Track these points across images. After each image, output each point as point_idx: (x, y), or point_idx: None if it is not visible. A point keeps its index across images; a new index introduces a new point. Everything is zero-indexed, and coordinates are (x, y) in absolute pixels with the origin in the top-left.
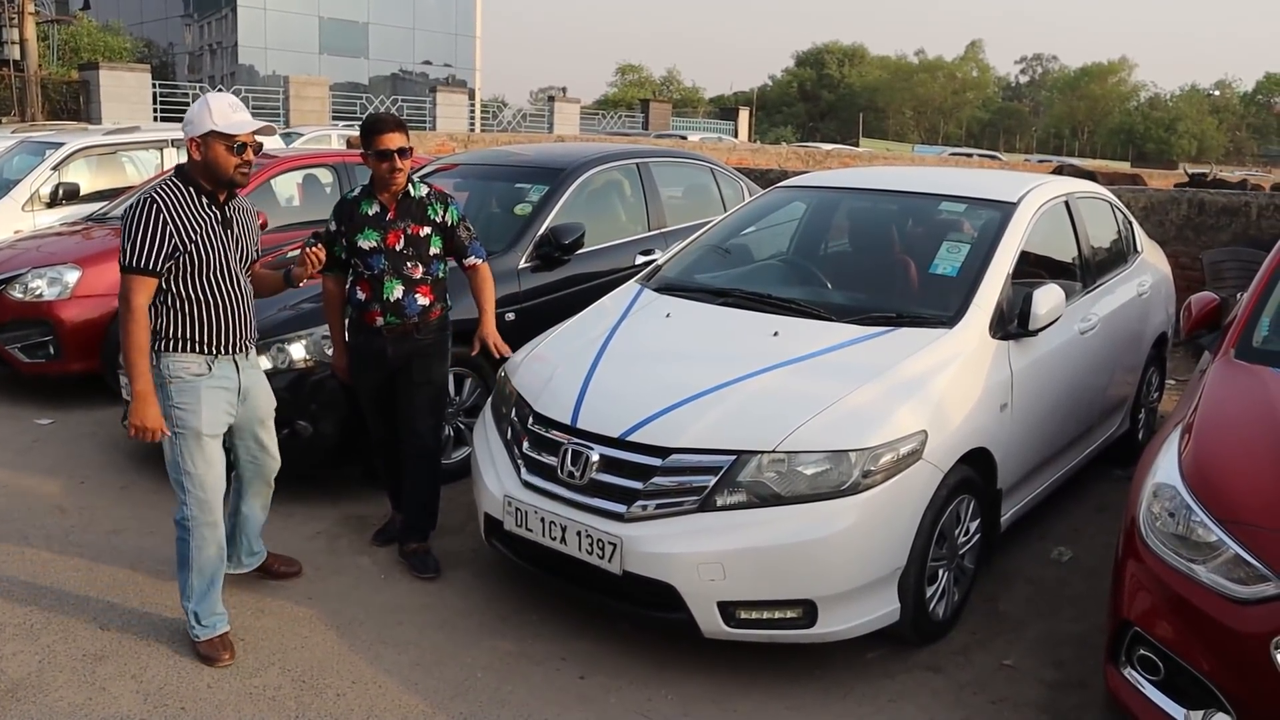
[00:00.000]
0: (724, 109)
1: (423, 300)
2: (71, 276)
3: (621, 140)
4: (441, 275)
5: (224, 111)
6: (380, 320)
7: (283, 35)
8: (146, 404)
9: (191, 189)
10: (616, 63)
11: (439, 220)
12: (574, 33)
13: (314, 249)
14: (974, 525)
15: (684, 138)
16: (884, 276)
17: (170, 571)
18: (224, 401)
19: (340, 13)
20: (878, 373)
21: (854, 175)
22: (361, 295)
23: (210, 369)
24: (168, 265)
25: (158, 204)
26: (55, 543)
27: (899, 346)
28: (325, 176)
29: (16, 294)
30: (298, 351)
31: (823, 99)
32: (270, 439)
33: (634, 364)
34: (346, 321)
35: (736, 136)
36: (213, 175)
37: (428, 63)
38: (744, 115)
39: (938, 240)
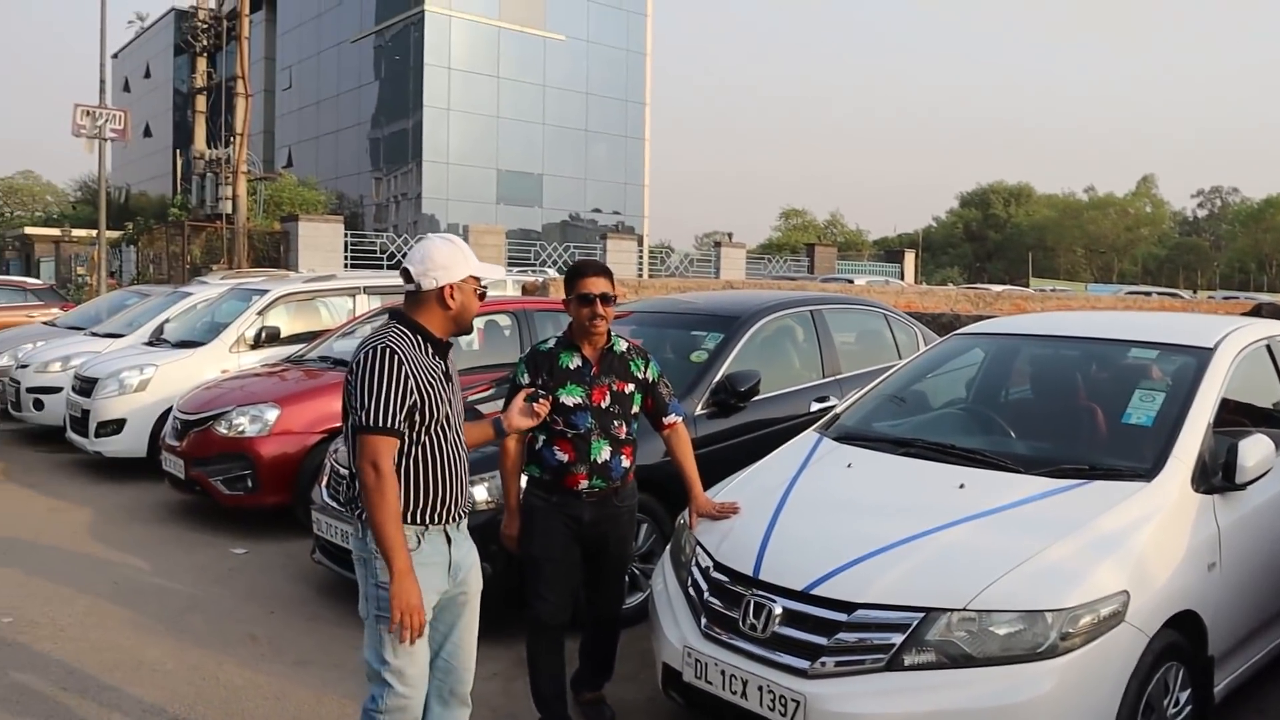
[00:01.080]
0: (889, 251)
1: (626, 462)
2: (271, 415)
3: (787, 285)
4: (635, 437)
5: (471, 254)
6: (585, 484)
7: (463, 187)
8: (407, 582)
9: (419, 337)
10: (780, 207)
11: (641, 376)
12: (737, 179)
13: (543, 400)
14: (1184, 696)
15: (850, 281)
16: (1072, 426)
17: (354, 707)
18: (432, 581)
19: (517, 165)
20: (1073, 528)
21: (1035, 321)
22: (562, 456)
23: (420, 543)
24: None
25: (399, 355)
26: (247, 669)
27: (1094, 500)
28: (504, 321)
29: (222, 429)
30: (480, 494)
31: (989, 239)
32: (469, 633)
33: (817, 515)
34: (523, 481)
35: (903, 279)
36: (460, 323)
37: (598, 210)
38: (909, 257)
39: (1127, 387)
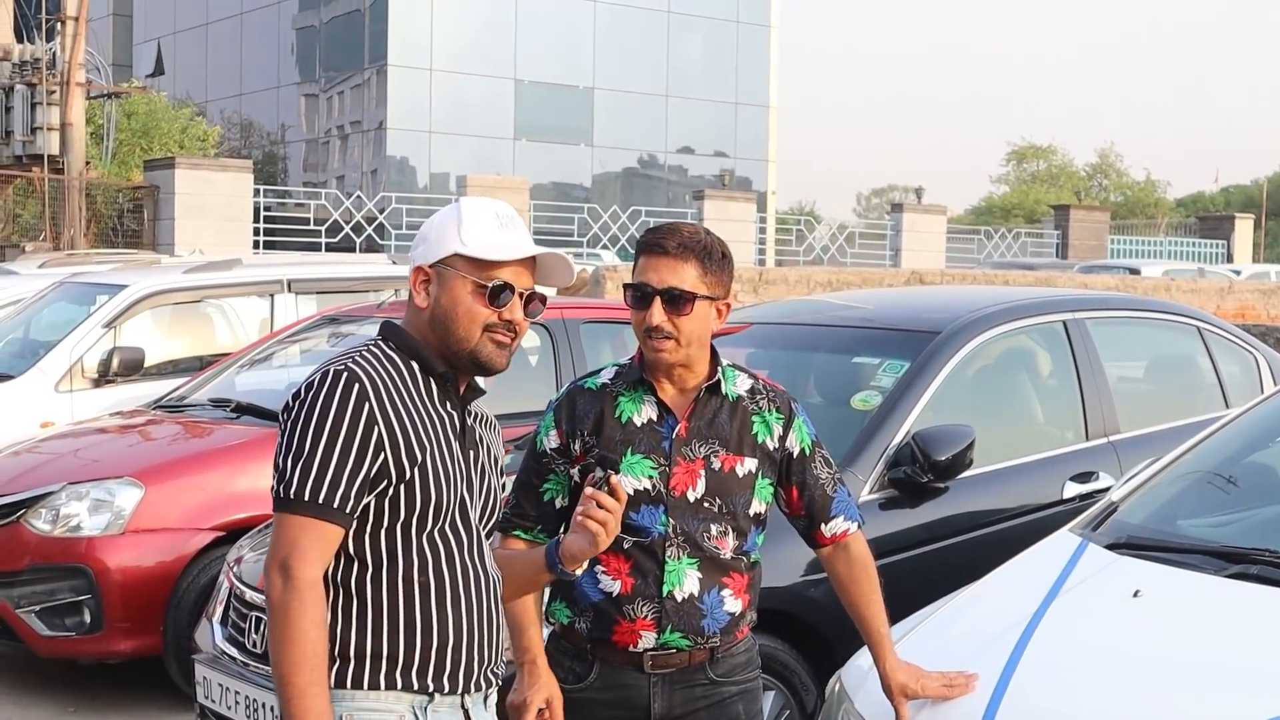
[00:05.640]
0: (1206, 217)
1: (732, 604)
2: (128, 498)
3: (1021, 278)
4: (757, 556)
5: (481, 221)
6: (646, 639)
7: (457, 110)
8: None
9: (416, 366)
10: (1007, 143)
11: (774, 445)
12: (932, 99)
13: (609, 487)
14: None
15: (1134, 271)
16: None
17: None
18: None
19: (549, 73)
20: None
21: None
22: (611, 585)
23: None
24: (365, 505)
25: (361, 385)
26: None
27: None
28: (529, 340)
29: (40, 525)
30: (500, 636)
31: None
32: None
33: (1076, 684)
34: (546, 632)
35: (1231, 263)
36: (448, 339)
37: (688, 150)
38: (1243, 228)
39: None
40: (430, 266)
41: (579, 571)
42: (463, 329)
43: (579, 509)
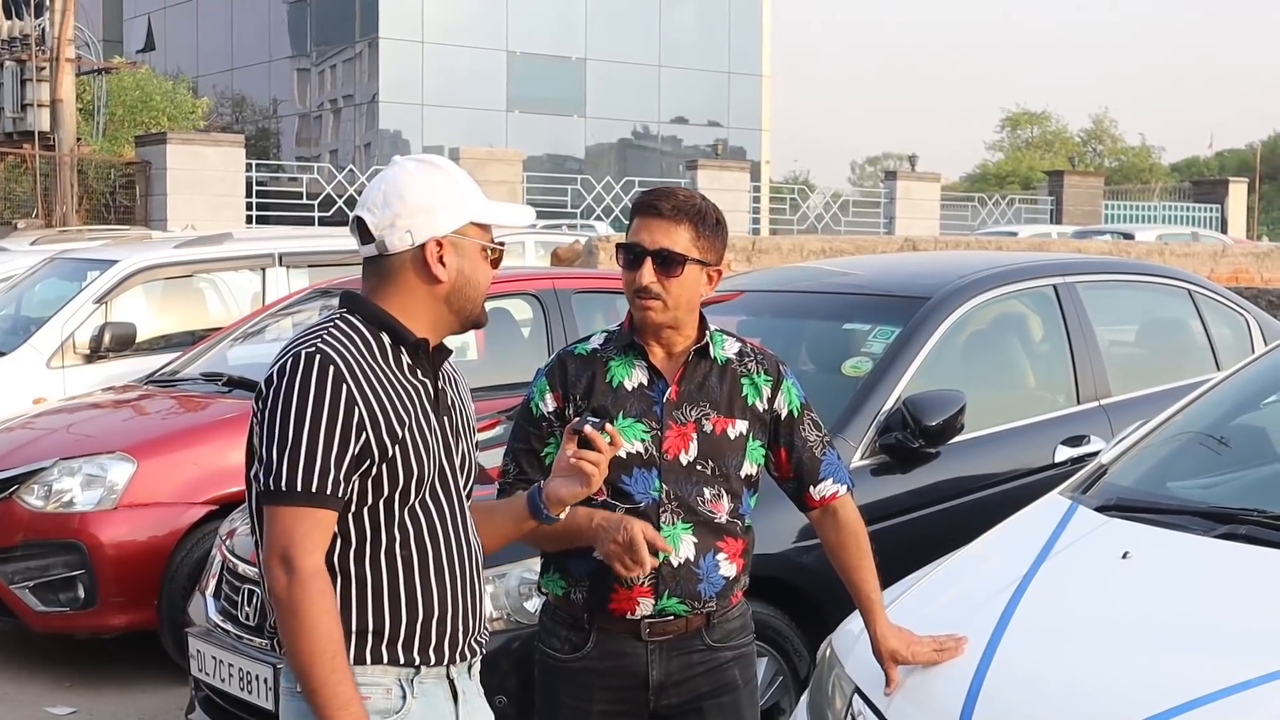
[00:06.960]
0: (1200, 182)
1: (727, 568)
2: (120, 473)
3: (1014, 244)
4: (750, 521)
5: (469, 184)
6: (644, 606)
7: (449, 82)
8: None
9: (386, 338)
10: (1001, 109)
11: (763, 407)
12: (926, 66)
13: (607, 434)
14: None
15: (1129, 236)
16: None
17: None
18: None
19: (541, 45)
20: None
21: None
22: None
23: (408, 697)
24: (350, 488)
25: (336, 366)
26: None
27: None
28: (521, 311)
29: (33, 501)
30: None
31: None
32: None
33: (1065, 645)
34: (539, 602)
35: (1226, 231)
36: (463, 310)
37: (681, 120)
38: (1238, 192)
39: None
40: (447, 237)
41: (563, 515)
42: (480, 294)
43: (569, 451)
